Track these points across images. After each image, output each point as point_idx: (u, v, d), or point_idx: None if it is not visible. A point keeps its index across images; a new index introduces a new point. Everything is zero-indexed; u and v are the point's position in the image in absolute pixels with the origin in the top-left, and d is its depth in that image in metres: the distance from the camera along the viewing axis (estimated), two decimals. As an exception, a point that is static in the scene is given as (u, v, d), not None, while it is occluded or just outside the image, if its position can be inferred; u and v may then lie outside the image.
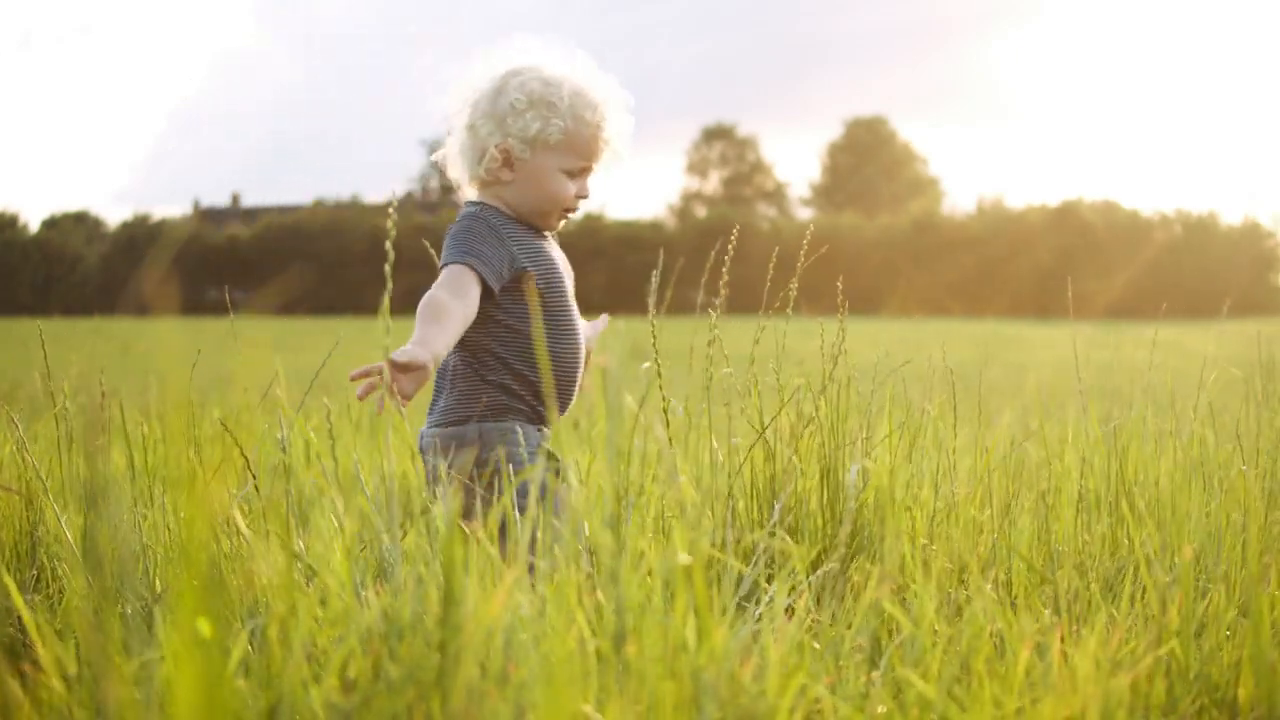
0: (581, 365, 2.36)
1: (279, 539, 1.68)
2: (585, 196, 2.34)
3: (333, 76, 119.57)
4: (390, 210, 1.52)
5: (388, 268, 1.50)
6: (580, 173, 2.32)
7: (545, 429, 2.30)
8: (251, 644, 1.32)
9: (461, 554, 1.22)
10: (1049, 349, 14.78)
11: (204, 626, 0.76)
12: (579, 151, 2.30)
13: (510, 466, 2.21)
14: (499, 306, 2.24)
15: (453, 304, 2.15)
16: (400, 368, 1.98)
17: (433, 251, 2.38)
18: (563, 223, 2.38)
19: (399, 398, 2.00)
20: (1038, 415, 2.56)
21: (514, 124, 2.28)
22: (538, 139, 2.28)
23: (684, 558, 1.25)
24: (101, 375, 2.61)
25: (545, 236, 2.37)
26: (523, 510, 2.00)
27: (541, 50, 2.35)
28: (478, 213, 2.29)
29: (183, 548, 0.81)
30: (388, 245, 1.48)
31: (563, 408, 2.35)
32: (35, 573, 2.45)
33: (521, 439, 2.23)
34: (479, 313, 2.22)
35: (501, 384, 2.26)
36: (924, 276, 43.82)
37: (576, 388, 2.37)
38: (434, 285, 2.20)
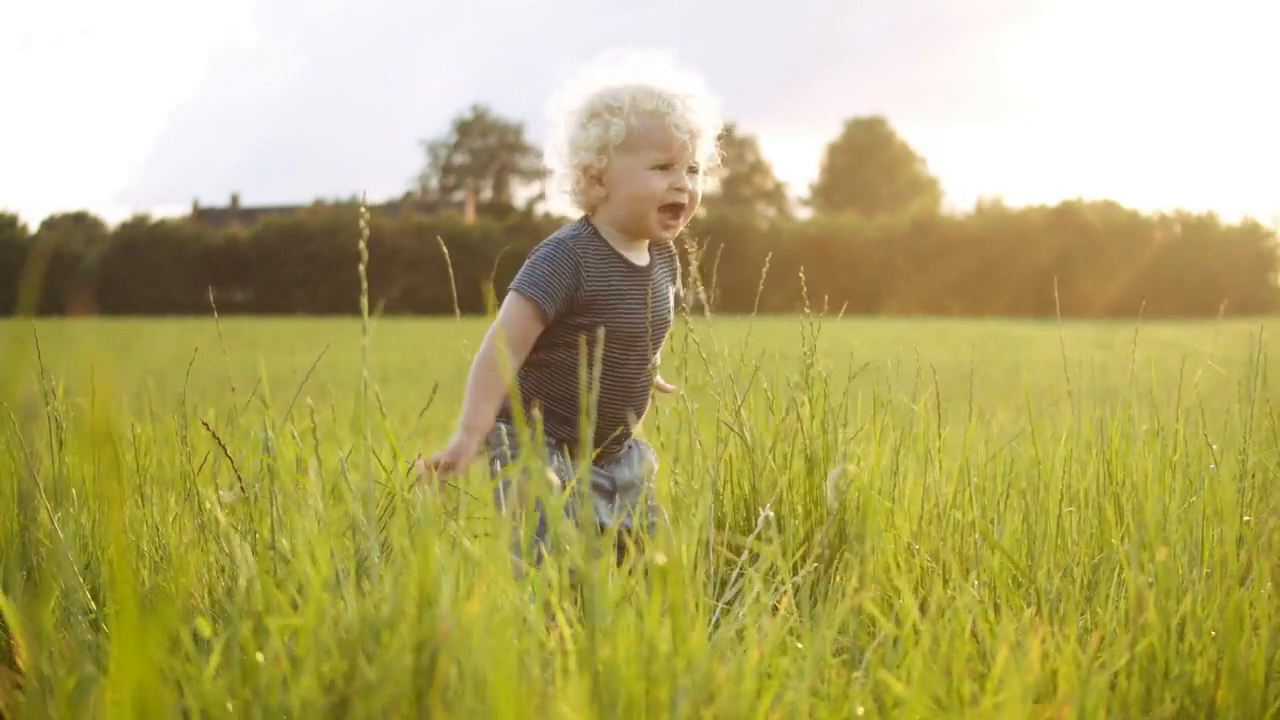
0: (625, 416, 2.33)
1: (262, 539, 1.69)
2: (682, 189, 2.28)
3: (333, 76, 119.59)
4: (362, 209, 1.52)
5: (362, 267, 1.50)
6: (668, 166, 2.27)
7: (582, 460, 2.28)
8: (230, 644, 1.32)
9: (438, 553, 1.23)
10: (1047, 349, 14.77)
11: (141, 628, 0.77)
12: (655, 144, 2.26)
13: (497, 467, 2.24)
14: (554, 330, 2.27)
15: (510, 362, 2.20)
16: (446, 469, 2.12)
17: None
18: (674, 228, 2.32)
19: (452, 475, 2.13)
20: (1029, 415, 2.56)
21: (583, 141, 2.29)
22: (607, 144, 2.27)
23: (660, 558, 1.25)
24: (93, 374, 2.61)
25: (639, 271, 2.32)
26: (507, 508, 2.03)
27: (614, 66, 2.33)
28: (567, 240, 2.29)
29: (112, 550, 0.81)
30: (361, 245, 1.49)
31: (596, 445, 2.30)
32: (25, 574, 2.45)
33: (506, 440, 2.25)
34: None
35: (521, 391, 2.29)
36: (923, 276, 43.82)
37: (620, 431, 2.32)
38: (499, 320, 2.23)
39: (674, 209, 2.29)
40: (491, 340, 2.22)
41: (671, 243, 2.45)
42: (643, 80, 2.29)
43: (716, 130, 2.35)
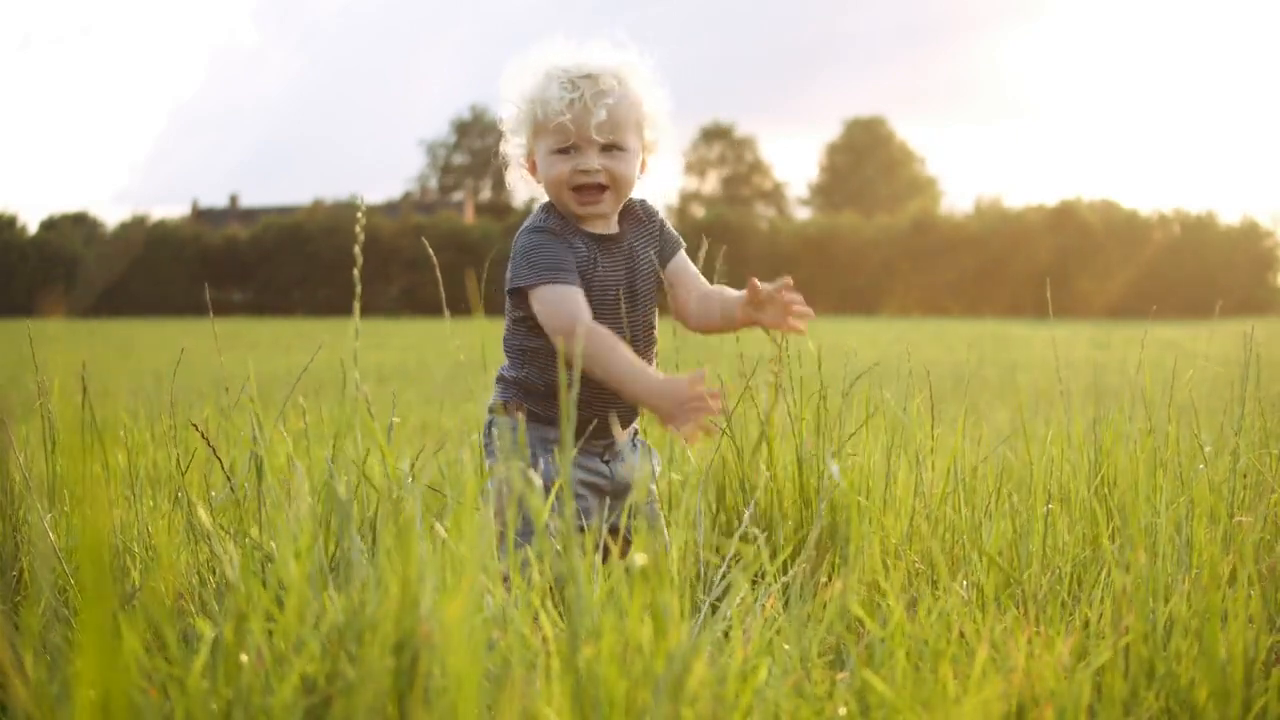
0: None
1: (250, 538, 1.69)
2: (585, 170, 2.22)
3: (333, 76, 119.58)
4: (359, 214, 1.52)
5: (356, 272, 1.51)
6: (570, 150, 2.23)
7: (585, 444, 2.23)
8: (215, 644, 1.32)
9: (421, 553, 1.22)
10: (1045, 349, 14.76)
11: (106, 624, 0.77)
12: (552, 129, 2.23)
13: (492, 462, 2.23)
14: (528, 305, 2.22)
15: (601, 327, 2.13)
16: (683, 421, 1.94)
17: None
18: (593, 206, 2.24)
19: (710, 423, 1.96)
20: (1023, 415, 2.56)
21: (510, 129, 2.32)
22: (521, 132, 2.29)
23: (640, 558, 1.25)
24: (83, 372, 2.61)
25: (607, 239, 2.29)
26: (494, 508, 2.02)
27: (543, 50, 2.29)
28: (538, 223, 2.27)
29: (81, 551, 0.81)
30: (356, 250, 1.49)
31: (595, 418, 2.22)
32: (17, 574, 2.45)
33: (507, 434, 2.23)
34: (512, 310, 2.26)
35: (518, 381, 2.28)
36: (922, 276, 43.82)
37: (611, 403, 2.21)
38: (548, 323, 2.15)
39: (585, 189, 2.24)
40: (570, 343, 2.05)
41: (647, 207, 2.40)
42: (554, 63, 2.25)
43: (648, 103, 2.28)
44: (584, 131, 2.22)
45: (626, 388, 2.04)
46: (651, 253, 2.35)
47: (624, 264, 2.29)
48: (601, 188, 2.25)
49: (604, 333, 2.09)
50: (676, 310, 2.39)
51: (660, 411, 1.98)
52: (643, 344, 2.29)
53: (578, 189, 2.24)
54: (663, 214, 2.42)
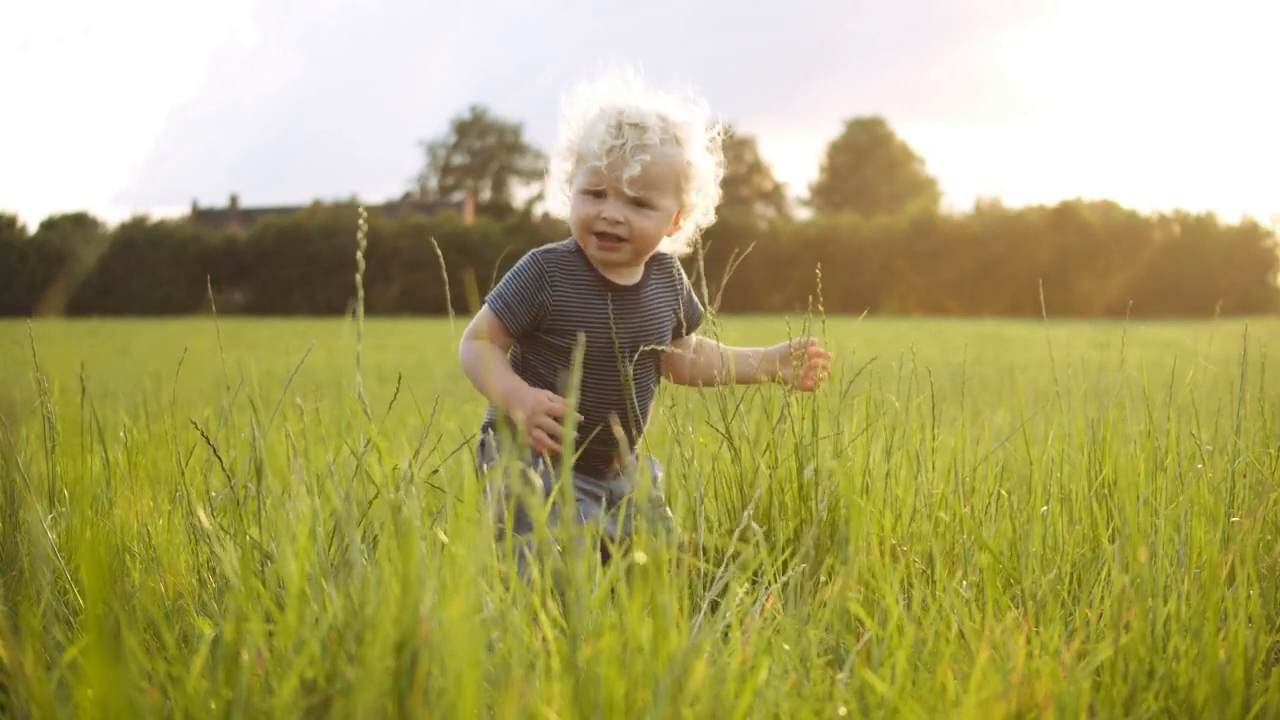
0: (608, 433, 2.23)
1: (250, 538, 1.69)
2: (609, 219, 2.21)
3: (332, 76, 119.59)
4: (360, 221, 1.52)
5: (358, 277, 1.51)
6: (596, 192, 2.23)
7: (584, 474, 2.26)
8: (215, 644, 1.32)
9: (421, 554, 1.23)
10: (1045, 349, 14.75)
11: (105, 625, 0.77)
12: (587, 169, 2.23)
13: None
14: (528, 341, 2.28)
15: (492, 349, 2.25)
16: (549, 422, 2.12)
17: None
18: (610, 254, 2.24)
19: (551, 442, 2.13)
20: (1023, 415, 2.56)
21: (557, 152, 2.34)
22: (559, 156, 2.31)
23: (640, 556, 1.25)
24: (81, 372, 2.61)
25: (619, 290, 2.27)
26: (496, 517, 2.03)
27: (607, 81, 2.28)
28: (541, 253, 2.27)
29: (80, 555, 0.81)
30: (359, 255, 1.49)
31: (585, 455, 2.24)
32: (17, 574, 2.45)
33: (496, 450, 2.24)
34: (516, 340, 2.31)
35: None
36: (922, 276, 43.84)
37: (610, 440, 2.23)
38: (472, 326, 2.29)
39: (605, 237, 2.23)
40: (464, 343, 2.29)
41: (675, 261, 2.41)
42: (613, 102, 2.24)
43: (696, 166, 2.26)
44: (614, 182, 2.21)
45: (489, 387, 2.21)
46: (668, 313, 2.36)
47: (633, 316, 2.29)
48: (621, 239, 2.23)
49: (489, 347, 2.24)
50: (668, 363, 2.41)
51: (512, 415, 2.15)
52: (637, 396, 2.28)
53: (599, 235, 2.24)
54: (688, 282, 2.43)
